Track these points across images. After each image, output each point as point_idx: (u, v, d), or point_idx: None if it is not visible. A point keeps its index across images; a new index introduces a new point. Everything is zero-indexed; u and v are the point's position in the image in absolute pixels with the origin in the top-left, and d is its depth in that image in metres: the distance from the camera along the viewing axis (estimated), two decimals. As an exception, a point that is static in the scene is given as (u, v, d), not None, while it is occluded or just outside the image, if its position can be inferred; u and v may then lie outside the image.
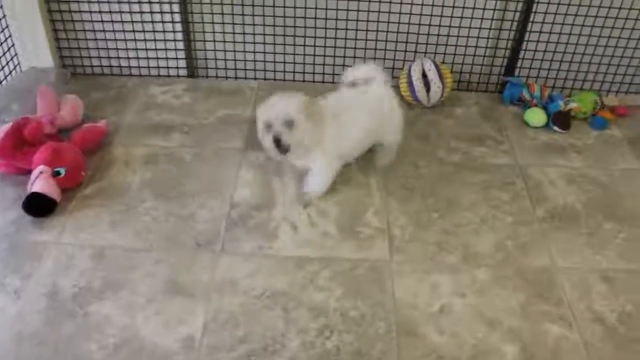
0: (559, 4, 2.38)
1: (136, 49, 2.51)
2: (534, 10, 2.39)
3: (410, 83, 2.35)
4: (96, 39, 2.48)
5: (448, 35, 2.46)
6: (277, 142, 1.82)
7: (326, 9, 2.38)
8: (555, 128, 2.36)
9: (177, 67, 2.56)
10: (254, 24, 2.44)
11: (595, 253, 1.88)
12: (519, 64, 2.54)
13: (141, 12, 2.41)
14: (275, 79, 2.60)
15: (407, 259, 1.81)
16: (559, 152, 2.29)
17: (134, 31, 2.46)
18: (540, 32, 2.46)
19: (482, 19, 2.42)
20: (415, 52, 2.49)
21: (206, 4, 2.40)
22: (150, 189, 2.00)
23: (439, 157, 2.21)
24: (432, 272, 1.77)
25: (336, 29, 2.44)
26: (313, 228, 1.90)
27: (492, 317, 1.66)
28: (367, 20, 2.42)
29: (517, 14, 2.42)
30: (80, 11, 2.42)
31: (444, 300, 1.70)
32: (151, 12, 2.41)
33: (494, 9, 2.40)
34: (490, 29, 2.45)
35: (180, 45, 2.50)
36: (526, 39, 2.47)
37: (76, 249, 1.78)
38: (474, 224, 1.94)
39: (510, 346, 1.59)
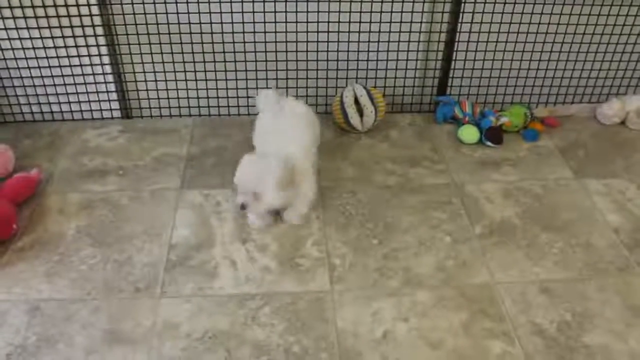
0: (481, 22, 2.43)
1: (67, 94, 2.47)
2: (459, 30, 2.44)
3: (343, 110, 2.37)
4: (24, 86, 2.44)
5: (377, 60, 2.49)
6: (243, 207, 1.89)
7: (254, 42, 2.39)
8: (489, 143, 2.40)
9: (111, 109, 2.54)
10: (184, 62, 2.43)
11: (533, 265, 1.91)
12: (450, 83, 2.58)
13: (68, 56, 2.38)
14: (210, 115, 2.59)
15: (348, 288, 1.81)
16: (494, 167, 2.33)
17: (62, 75, 2.43)
18: (467, 50, 2.51)
19: (409, 41, 2.45)
20: (347, 78, 2.51)
21: (134, 44, 2.39)
22: (86, 236, 1.97)
23: (376, 182, 2.22)
24: (373, 298, 1.78)
25: (266, 60, 2.45)
26: (253, 264, 1.88)
27: (435, 338, 1.66)
28: (297, 51, 2.43)
29: (444, 34, 2.45)
30: (4, 59, 2.38)
31: (387, 326, 1.70)
32: (79, 56, 2.39)
33: (420, 31, 2.44)
34: (418, 50, 2.49)
35: (112, 86, 2.47)
36: (454, 58, 2.51)
37: (10, 305, 1.74)
38: (413, 246, 1.96)
39: (455, 368, 1.59)
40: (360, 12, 2.35)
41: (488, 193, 2.19)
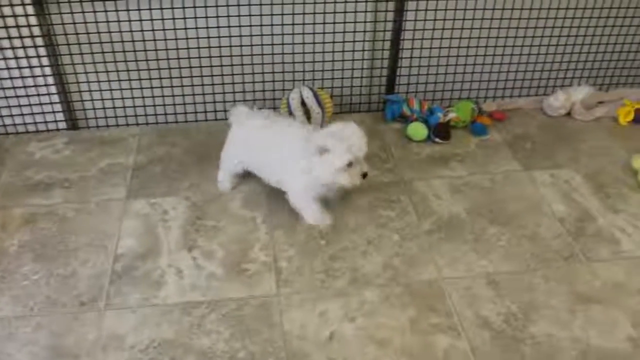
0: (425, 19, 2.44)
1: (9, 106, 2.43)
2: (404, 28, 2.44)
3: (290, 112, 2.36)
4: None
5: (323, 61, 2.48)
6: (365, 175, 1.88)
7: (198, 47, 2.37)
8: (437, 140, 2.41)
9: (56, 121, 2.50)
10: (128, 70, 2.40)
11: (480, 259, 1.92)
12: (398, 81, 2.58)
13: (8, 68, 2.34)
14: (157, 123, 2.56)
15: (295, 291, 1.80)
16: (443, 163, 2.34)
17: (3, 88, 2.38)
18: (412, 48, 2.52)
19: (353, 41, 2.45)
20: (294, 80, 2.50)
21: (76, 54, 2.35)
22: (29, 251, 1.93)
23: (323, 182, 2.21)
24: (320, 300, 1.77)
25: (211, 66, 2.43)
26: (199, 271, 1.87)
27: (382, 337, 1.66)
28: (241, 55, 2.41)
29: (389, 33, 2.46)
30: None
31: (334, 327, 1.69)
32: (19, 68, 2.35)
33: (364, 31, 2.44)
34: (364, 50, 2.49)
35: (56, 97, 2.43)
36: (401, 56, 2.51)
37: (-51, 327, 1.70)
38: (361, 246, 1.95)
39: (402, 364, 1.59)
40: (304, 13, 2.34)
41: (436, 189, 2.20)
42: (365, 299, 1.78)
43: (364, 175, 1.87)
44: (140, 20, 2.28)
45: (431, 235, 2.00)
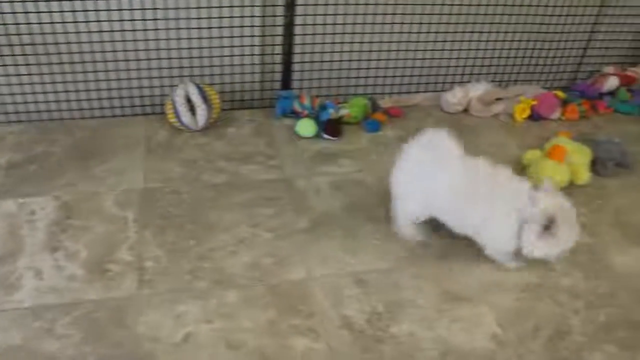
0: (315, 14, 2.40)
1: None
2: (296, 23, 2.40)
3: (175, 109, 2.30)
4: None
5: (211, 57, 2.43)
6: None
7: (79, 42, 2.29)
8: (326, 136, 2.37)
9: None
10: (4, 65, 2.31)
11: (351, 257, 1.89)
12: (294, 77, 2.54)
13: None
14: (41, 120, 2.47)
15: (156, 292, 1.74)
16: (330, 159, 2.30)
17: None
18: (303, 43, 2.48)
19: (242, 36, 2.40)
20: (181, 76, 2.44)
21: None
22: None
23: (204, 181, 2.16)
24: (180, 301, 1.72)
25: (95, 61, 2.35)
26: (59, 272, 1.80)
27: (237, 339, 1.62)
28: (125, 50, 2.35)
29: (280, 28, 2.41)
30: None
31: (189, 328, 1.64)
32: None
33: (252, 26, 2.39)
34: (253, 45, 2.44)
35: None
36: (295, 51, 2.47)
37: None
38: (231, 245, 1.90)
39: (253, 367, 1.55)
40: (188, 7, 2.29)
41: (319, 186, 2.16)
42: (227, 300, 1.73)
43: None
44: (14, 12, 2.19)
45: (306, 233, 1.96)
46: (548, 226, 1.67)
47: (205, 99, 2.30)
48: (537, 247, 1.71)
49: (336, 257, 1.88)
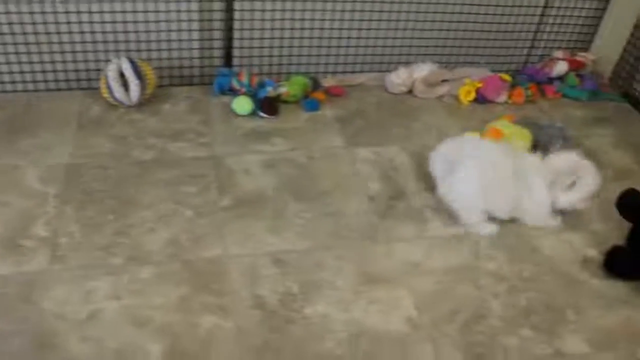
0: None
1: None
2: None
3: (107, 84, 2.25)
4: None
5: (147, 31, 2.38)
6: None
7: (8, 12, 2.23)
8: (262, 114, 2.34)
9: None
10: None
11: (273, 237, 1.86)
12: (235, 54, 2.50)
13: None
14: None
15: (68, 267, 1.71)
16: (264, 138, 2.27)
17: None
18: (242, 19, 2.43)
19: (178, 11, 2.35)
20: (117, 50, 2.39)
21: None
22: None
23: (132, 157, 2.12)
24: (91, 277, 1.69)
25: (24, 33, 2.29)
26: (-30, 249, 1.76)
27: (144, 316, 1.59)
28: (57, 22, 2.29)
29: (220, 3, 2.36)
30: None
31: (96, 305, 1.61)
32: None
33: (189, 0, 2.33)
34: (190, 20, 2.38)
35: None
36: (236, 27, 2.42)
37: None
38: (150, 222, 1.87)
39: (156, 344, 1.53)
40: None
41: (248, 165, 2.13)
42: (140, 276, 1.70)
43: None
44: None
45: (228, 211, 1.93)
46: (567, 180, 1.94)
47: (139, 74, 2.26)
48: (565, 199, 1.96)
49: (257, 236, 1.85)
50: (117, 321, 1.58)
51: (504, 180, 1.92)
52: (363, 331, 1.61)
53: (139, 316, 1.59)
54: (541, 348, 1.63)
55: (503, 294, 1.77)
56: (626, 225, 1.93)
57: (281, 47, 2.53)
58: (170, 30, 2.39)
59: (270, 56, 2.54)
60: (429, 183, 2.12)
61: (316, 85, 2.48)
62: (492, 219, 1.97)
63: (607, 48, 2.83)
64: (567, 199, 1.97)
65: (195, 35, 2.42)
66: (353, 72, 2.66)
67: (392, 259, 1.84)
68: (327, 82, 2.56)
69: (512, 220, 1.99)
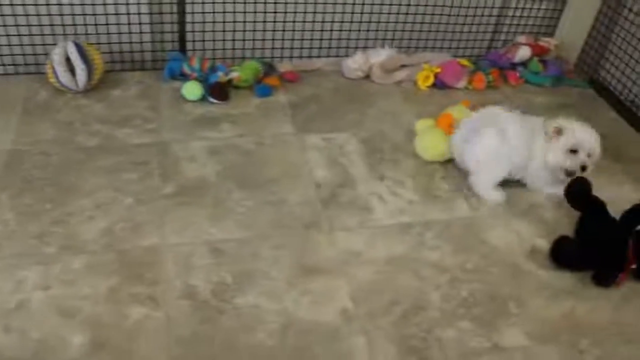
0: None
1: None
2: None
3: (53, 69, 2.21)
4: None
5: (94, 14, 2.33)
6: (583, 168, 1.98)
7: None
8: (212, 100, 2.30)
9: None
10: None
11: (212, 225, 1.83)
12: (189, 38, 2.45)
13: None
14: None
15: (0, 256, 1.68)
16: (212, 124, 2.23)
17: None
18: (194, 2, 2.38)
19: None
20: (65, 34, 2.35)
21: None
22: None
23: (76, 143, 2.09)
24: (22, 267, 1.66)
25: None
26: None
27: (71, 306, 1.57)
28: (1, 4, 2.24)
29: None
30: None
31: (24, 295, 1.59)
32: None
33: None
34: (139, 3, 2.33)
35: None
36: (190, 10, 2.38)
37: None
38: (89, 210, 1.85)
39: (80, 335, 1.51)
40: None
41: (194, 152, 2.09)
42: (72, 266, 1.68)
43: (583, 168, 1.98)
44: None
45: (169, 199, 1.90)
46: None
47: (86, 59, 2.22)
48: (551, 153, 2.01)
49: (196, 225, 1.83)
50: (44, 311, 1.55)
51: (518, 146, 2.01)
52: (293, 322, 1.59)
53: (67, 307, 1.57)
54: (478, 341, 1.61)
55: (445, 285, 1.75)
56: (576, 214, 1.91)
57: (234, 30, 2.48)
58: (118, 14, 2.34)
59: (224, 40, 2.50)
60: (378, 170, 2.09)
61: (270, 70, 2.44)
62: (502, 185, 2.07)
63: (572, 34, 2.79)
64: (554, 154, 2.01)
65: (146, 18, 2.38)
66: (310, 57, 2.61)
67: (332, 248, 1.81)
68: (284, 67, 2.52)
69: (464, 211, 1.99)
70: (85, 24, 2.35)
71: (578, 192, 1.92)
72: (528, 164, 2.04)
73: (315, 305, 1.65)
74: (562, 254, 1.85)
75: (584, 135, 1.98)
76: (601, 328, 1.69)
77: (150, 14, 2.38)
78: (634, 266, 1.79)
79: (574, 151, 1.98)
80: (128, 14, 2.35)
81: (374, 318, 1.63)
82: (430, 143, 2.15)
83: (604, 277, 1.80)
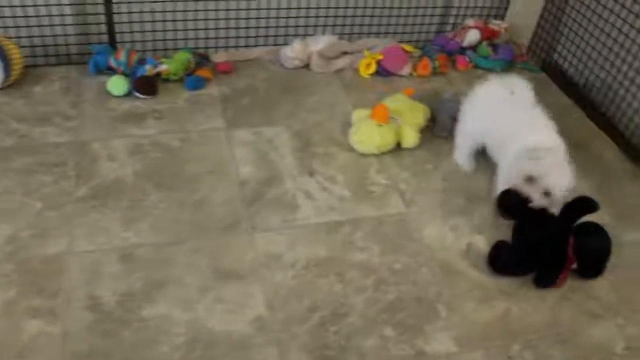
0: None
1: None
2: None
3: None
4: None
5: (11, 6, 2.20)
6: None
7: None
8: (138, 94, 2.20)
9: None
10: None
11: (127, 230, 1.75)
12: (118, 29, 2.34)
13: None
14: None
15: None
16: (137, 121, 2.13)
17: None
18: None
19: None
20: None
21: None
22: None
23: (-9, 144, 1.99)
24: None
25: None
26: None
27: (-35, 323, 1.47)
28: None
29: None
30: None
31: None
32: None
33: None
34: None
35: None
36: (115, 1, 2.26)
37: None
38: (-8, 216, 1.74)
39: (-30, 354, 1.41)
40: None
41: (114, 151, 2.00)
42: (-31, 279, 1.58)
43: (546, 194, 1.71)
44: None
45: (82, 203, 1.81)
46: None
47: (2, 54, 2.10)
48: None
49: (109, 229, 1.74)
50: None
51: (501, 119, 1.91)
52: (202, 334, 1.51)
53: (-41, 323, 1.48)
54: (401, 349, 1.53)
55: (369, 288, 1.67)
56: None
57: (165, 21, 2.37)
58: (37, 5, 2.22)
59: (154, 31, 2.38)
60: (308, 165, 2.00)
61: (203, 61, 2.33)
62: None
63: (523, 16, 2.69)
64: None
65: (67, 10, 2.25)
66: (247, 46, 2.50)
67: (252, 251, 1.73)
68: (219, 57, 2.41)
69: (399, 207, 1.91)
70: (3, 17, 2.22)
71: (507, 204, 1.78)
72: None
73: (227, 314, 1.56)
74: (498, 260, 1.75)
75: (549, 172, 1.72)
76: (535, 330, 1.62)
77: (73, 4, 2.25)
78: (574, 266, 1.70)
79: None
80: (47, 5, 2.22)
81: (290, 326, 1.55)
82: (364, 136, 2.05)
83: (545, 279, 1.72)
